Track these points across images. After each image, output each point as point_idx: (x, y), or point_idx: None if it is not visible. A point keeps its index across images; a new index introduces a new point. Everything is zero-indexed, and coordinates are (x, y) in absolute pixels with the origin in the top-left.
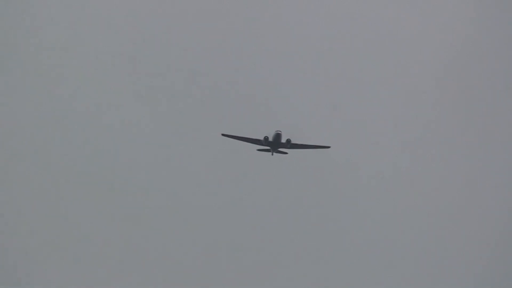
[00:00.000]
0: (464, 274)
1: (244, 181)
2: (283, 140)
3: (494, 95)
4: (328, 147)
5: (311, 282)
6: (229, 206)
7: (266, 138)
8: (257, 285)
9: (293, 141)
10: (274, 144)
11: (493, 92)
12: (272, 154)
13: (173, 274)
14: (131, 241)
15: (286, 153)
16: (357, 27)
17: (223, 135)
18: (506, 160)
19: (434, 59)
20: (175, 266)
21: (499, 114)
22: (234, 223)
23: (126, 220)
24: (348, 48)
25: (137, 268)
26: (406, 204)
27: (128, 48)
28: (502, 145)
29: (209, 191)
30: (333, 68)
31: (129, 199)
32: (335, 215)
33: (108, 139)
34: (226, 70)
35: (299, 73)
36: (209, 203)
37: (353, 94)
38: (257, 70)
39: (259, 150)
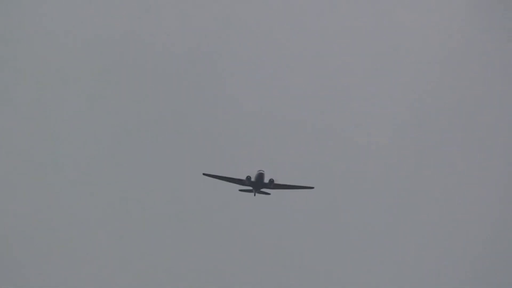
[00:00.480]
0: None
1: (226, 221)
2: (266, 180)
3: (494, 95)
4: (312, 187)
5: None
6: (210, 245)
7: (248, 177)
8: None
9: (276, 181)
10: (257, 184)
11: (492, 91)
12: (255, 195)
13: None
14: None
15: (268, 193)
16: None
17: (204, 174)
18: (506, 160)
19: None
20: None
21: (499, 114)
22: (215, 262)
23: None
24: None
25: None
26: (396, 247)
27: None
28: (501, 145)
29: (190, 230)
30: (318, 103)
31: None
32: (318, 257)
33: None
34: (208, 105)
35: (282, 111)
36: (189, 242)
37: (338, 131)
38: (239, 106)
39: (241, 190)
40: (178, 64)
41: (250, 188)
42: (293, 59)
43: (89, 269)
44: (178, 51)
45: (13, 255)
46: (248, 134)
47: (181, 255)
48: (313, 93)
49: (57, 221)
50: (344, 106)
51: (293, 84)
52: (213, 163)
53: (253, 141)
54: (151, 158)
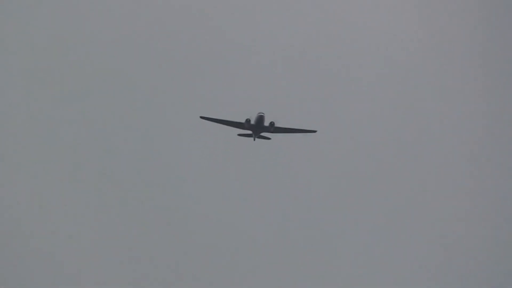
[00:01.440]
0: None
1: (226, 168)
2: (266, 123)
3: (493, 94)
4: (315, 131)
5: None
6: (211, 195)
7: (248, 120)
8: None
9: (277, 124)
10: (257, 128)
11: (491, 91)
12: (254, 139)
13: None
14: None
15: (269, 138)
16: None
17: (202, 117)
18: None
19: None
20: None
21: (497, 113)
22: (216, 214)
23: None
24: (334, 32)
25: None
26: (400, 196)
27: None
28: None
29: (188, 179)
30: (320, 50)
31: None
32: (322, 206)
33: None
34: (206, 46)
35: (284, 55)
36: (188, 193)
37: (340, 75)
38: (239, 49)
39: (240, 135)
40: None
41: (250, 132)
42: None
43: (88, 266)
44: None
45: (13, 255)
46: (246, 74)
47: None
48: (315, 29)
49: (56, 219)
50: (350, 46)
51: (294, 19)
52: (211, 105)
53: (252, 82)
54: (144, 103)
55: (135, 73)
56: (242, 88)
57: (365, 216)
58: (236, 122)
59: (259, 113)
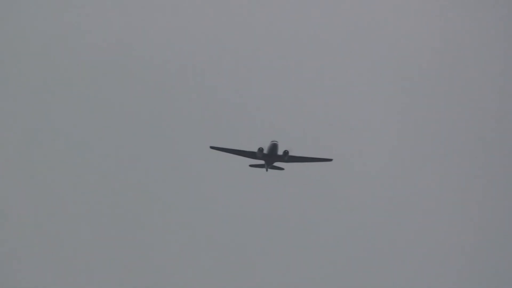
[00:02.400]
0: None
1: (236, 200)
2: (280, 152)
3: (492, 93)
4: (330, 159)
5: None
6: (222, 229)
7: (260, 149)
8: None
9: (291, 153)
10: (270, 157)
11: (490, 90)
12: (267, 170)
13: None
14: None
15: (282, 168)
16: (354, 31)
17: (212, 147)
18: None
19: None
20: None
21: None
22: (225, 244)
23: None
24: (346, 53)
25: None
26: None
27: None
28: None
29: (198, 213)
30: (333, 74)
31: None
32: (340, 236)
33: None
34: (216, 76)
35: (295, 80)
36: (198, 227)
37: (355, 100)
38: (250, 77)
39: (251, 165)
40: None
41: (262, 162)
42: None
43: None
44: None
45: (13, 255)
46: (257, 102)
47: (187, 239)
48: (329, 55)
49: (55, 219)
50: (365, 73)
51: (307, 44)
52: (221, 135)
53: (263, 110)
54: (151, 133)
55: (142, 103)
56: (253, 117)
57: (382, 251)
58: (248, 152)
59: (273, 141)
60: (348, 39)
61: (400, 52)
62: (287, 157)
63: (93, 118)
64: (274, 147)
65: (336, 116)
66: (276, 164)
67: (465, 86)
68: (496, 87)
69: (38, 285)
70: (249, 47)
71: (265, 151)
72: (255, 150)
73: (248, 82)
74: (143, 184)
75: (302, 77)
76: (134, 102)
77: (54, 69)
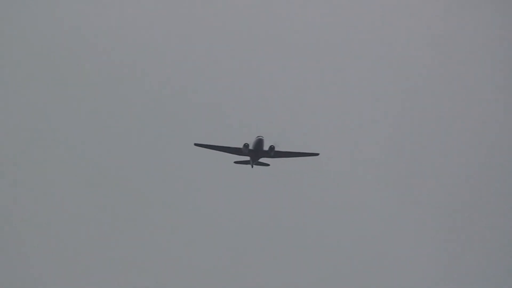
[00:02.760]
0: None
1: (222, 199)
2: (266, 148)
3: (491, 94)
4: (317, 154)
5: None
6: (207, 228)
7: (246, 145)
8: None
9: (277, 148)
10: (255, 153)
11: (489, 91)
12: (252, 166)
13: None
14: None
15: (267, 164)
16: (348, 28)
17: (196, 144)
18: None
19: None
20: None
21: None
22: (212, 249)
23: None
24: (336, 46)
25: None
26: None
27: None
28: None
29: (183, 211)
30: (319, 65)
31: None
32: (325, 234)
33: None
34: (200, 73)
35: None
36: (183, 227)
37: (341, 93)
38: (233, 74)
39: (236, 162)
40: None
41: (247, 159)
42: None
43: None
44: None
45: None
46: (241, 98)
47: (174, 241)
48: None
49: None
50: (351, 63)
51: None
52: (205, 131)
53: (247, 106)
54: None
55: (126, 99)
56: (236, 113)
57: (369, 246)
58: (233, 148)
59: (258, 136)
60: (330, 33)
61: (389, 47)
62: (273, 153)
63: (81, 116)
64: (259, 142)
65: (321, 110)
66: (261, 160)
67: (459, 86)
68: (496, 87)
69: (38, 285)
70: (233, 44)
71: (250, 147)
72: (240, 146)
73: (232, 79)
74: (128, 183)
75: (287, 73)
76: (121, 101)
77: (53, 68)
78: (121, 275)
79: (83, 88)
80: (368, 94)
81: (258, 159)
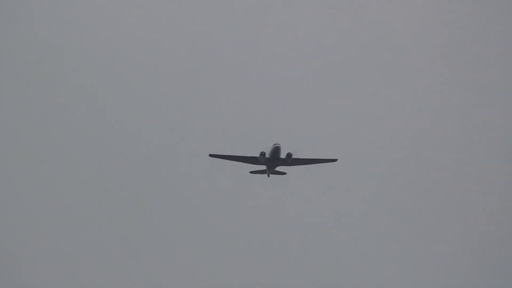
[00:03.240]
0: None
1: (238, 209)
2: (283, 155)
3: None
4: (335, 160)
5: None
6: (223, 241)
7: (263, 154)
8: None
9: (295, 156)
10: (272, 161)
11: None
12: (269, 176)
13: None
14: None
15: (284, 173)
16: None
17: (211, 155)
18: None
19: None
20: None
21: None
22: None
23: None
24: (348, 51)
25: None
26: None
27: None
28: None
29: (198, 224)
30: (333, 72)
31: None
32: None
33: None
34: (211, 79)
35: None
36: (193, 237)
37: (357, 97)
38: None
39: (252, 172)
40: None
41: (263, 168)
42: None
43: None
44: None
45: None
46: (255, 105)
47: (185, 251)
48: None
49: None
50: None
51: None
52: (218, 142)
53: (260, 114)
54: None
55: (139, 106)
56: (250, 121)
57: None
58: (250, 157)
59: (275, 144)
60: (347, 37)
61: (402, 51)
62: (291, 160)
63: (89, 121)
64: (276, 150)
65: (336, 116)
66: (278, 168)
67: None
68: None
69: (38, 285)
70: (247, 48)
71: (267, 155)
72: (256, 155)
73: (244, 86)
74: (140, 194)
75: (299, 77)
76: (132, 105)
77: (52, 68)
78: (132, 276)
79: (93, 89)
80: (381, 95)
81: (275, 167)
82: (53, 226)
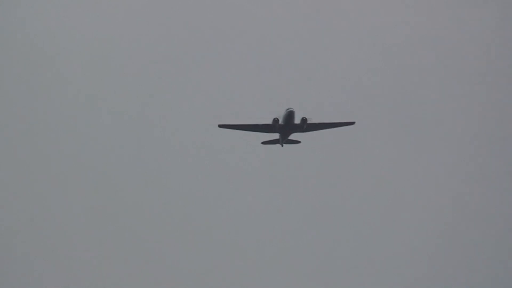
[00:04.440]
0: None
1: (251, 183)
2: (297, 121)
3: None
4: (353, 123)
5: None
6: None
7: (276, 120)
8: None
9: (310, 121)
10: (286, 128)
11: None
12: (282, 145)
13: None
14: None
15: (298, 141)
16: None
17: (220, 126)
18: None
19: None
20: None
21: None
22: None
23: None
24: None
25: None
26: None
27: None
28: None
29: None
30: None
31: (120, 198)
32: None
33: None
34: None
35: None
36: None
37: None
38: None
39: (264, 143)
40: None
41: (276, 138)
42: None
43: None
44: None
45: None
46: (262, 69)
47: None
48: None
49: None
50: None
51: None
52: (226, 111)
53: (267, 77)
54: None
55: (142, 83)
56: (259, 86)
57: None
58: (262, 125)
59: (288, 108)
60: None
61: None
62: (306, 126)
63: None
64: (290, 114)
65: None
66: (291, 137)
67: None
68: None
69: (38, 285)
70: (256, 10)
71: (280, 121)
72: (269, 122)
73: (250, 49)
74: (146, 169)
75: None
76: (136, 80)
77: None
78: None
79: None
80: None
81: (289, 135)
82: (53, 224)
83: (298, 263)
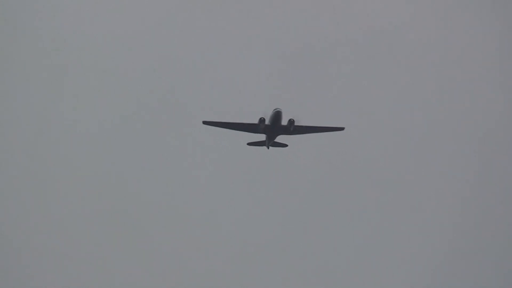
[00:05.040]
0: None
1: (234, 185)
2: (284, 122)
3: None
4: (342, 128)
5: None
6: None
7: (262, 120)
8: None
9: (298, 123)
10: (272, 129)
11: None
12: (268, 147)
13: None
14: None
15: (285, 145)
16: None
17: (204, 122)
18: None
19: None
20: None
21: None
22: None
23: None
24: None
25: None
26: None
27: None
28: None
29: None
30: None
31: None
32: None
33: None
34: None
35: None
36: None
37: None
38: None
39: (250, 144)
40: None
41: (262, 139)
42: None
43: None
44: None
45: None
46: (252, 69)
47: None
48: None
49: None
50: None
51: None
52: (213, 108)
53: (258, 77)
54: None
55: (132, 77)
56: (247, 86)
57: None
58: (248, 124)
59: (276, 109)
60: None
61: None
62: (293, 128)
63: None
64: (277, 115)
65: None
66: (278, 139)
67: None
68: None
69: (38, 285)
70: (245, 9)
71: (267, 122)
72: (255, 122)
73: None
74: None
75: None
76: (129, 79)
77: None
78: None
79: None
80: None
81: (276, 137)
82: (53, 224)
83: (285, 264)
